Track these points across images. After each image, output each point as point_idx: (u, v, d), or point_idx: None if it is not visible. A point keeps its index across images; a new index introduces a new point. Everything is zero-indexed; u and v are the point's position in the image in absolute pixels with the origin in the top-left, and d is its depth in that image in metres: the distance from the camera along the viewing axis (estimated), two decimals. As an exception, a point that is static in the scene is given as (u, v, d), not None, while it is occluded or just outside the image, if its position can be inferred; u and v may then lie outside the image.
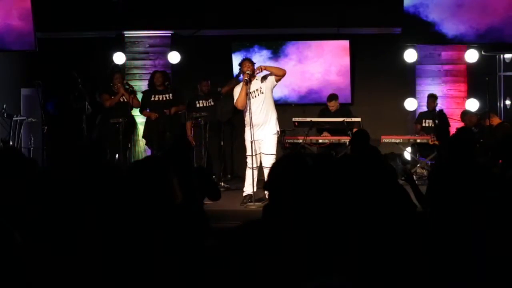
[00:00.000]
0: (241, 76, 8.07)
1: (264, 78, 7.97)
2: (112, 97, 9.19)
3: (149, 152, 9.88)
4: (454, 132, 9.04)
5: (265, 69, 7.96)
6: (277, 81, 7.98)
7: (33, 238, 2.93)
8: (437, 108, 10.18)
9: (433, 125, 9.94)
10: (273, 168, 2.84)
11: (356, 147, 6.04)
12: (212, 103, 9.74)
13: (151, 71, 10.34)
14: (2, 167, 3.61)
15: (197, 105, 9.71)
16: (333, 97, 10.28)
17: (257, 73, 7.93)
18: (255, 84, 7.92)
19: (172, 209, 3.20)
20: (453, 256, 3.15)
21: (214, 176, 8.70)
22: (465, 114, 9.88)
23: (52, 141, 9.08)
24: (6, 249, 2.26)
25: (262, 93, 7.89)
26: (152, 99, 9.47)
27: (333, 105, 10.25)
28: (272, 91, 8.03)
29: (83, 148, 4.86)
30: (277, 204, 2.68)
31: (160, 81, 9.49)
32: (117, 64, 10.07)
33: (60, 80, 9.37)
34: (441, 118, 9.61)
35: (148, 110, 9.55)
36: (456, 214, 4.16)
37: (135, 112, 9.77)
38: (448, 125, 9.82)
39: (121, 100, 9.23)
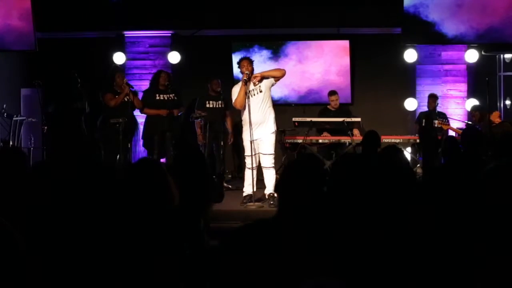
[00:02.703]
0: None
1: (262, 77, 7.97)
2: (116, 96, 9.18)
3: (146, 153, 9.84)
4: (463, 130, 9.04)
5: (262, 77, 7.88)
6: (276, 80, 7.98)
7: (34, 239, 2.93)
8: (438, 108, 10.19)
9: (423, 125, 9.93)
10: (286, 170, 2.79)
11: (367, 148, 6.07)
12: (222, 105, 9.69)
13: (151, 71, 10.32)
14: (5, 167, 3.61)
15: (207, 105, 9.68)
16: (334, 92, 10.33)
17: (254, 81, 7.86)
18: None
19: (169, 210, 3.19)
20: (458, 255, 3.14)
21: (214, 176, 8.69)
22: (475, 110, 9.86)
23: (52, 141, 9.07)
24: (7, 250, 2.26)
25: (261, 91, 7.88)
26: (158, 98, 9.46)
27: (334, 100, 10.26)
28: (270, 90, 8.03)
29: (80, 149, 4.85)
30: (286, 206, 2.65)
31: (166, 81, 9.48)
32: (118, 65, 10.08)
33: (60, 80, 9.35)
34: (428, 120, 9.62)
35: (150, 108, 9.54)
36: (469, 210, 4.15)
37: (137, 112, 9.75)
38: (432, 128, 9.74)
39: (125, 99, 9.20)
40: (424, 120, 9.65)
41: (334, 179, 3.35)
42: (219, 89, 9.67)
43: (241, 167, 10.81)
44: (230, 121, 9.86)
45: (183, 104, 9.77)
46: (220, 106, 9.67)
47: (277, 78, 7.94)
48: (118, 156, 8.95)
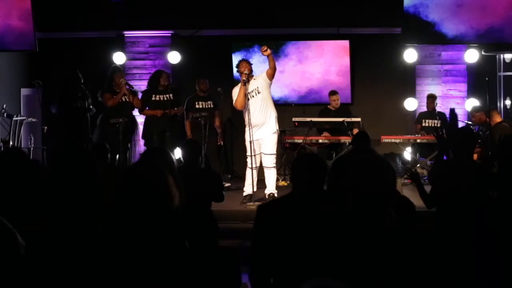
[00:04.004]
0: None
1: (258, 77, 7.97)
2: (114, 96, 9.18)
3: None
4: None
5: (269, 54, 7.79)
6: (270, 78, 7.93)
7: (35, 239, 2.93)
8: (437, 108, 10.19)
9: (434, 125, 9.91)
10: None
11: (357, 148, 6.07)
12: (212, 106, 9.72)
13: (151, 71, 10.32)
14: (6, 168, 3.60)
15: (196, 106, 9.69)
16: (335, 91, 10.34)
17: (264, 52, 7.76)
18: (252, 84, 7.92)
19: (169, 211, 3.19)
20: (456, 256, 3.15)
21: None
22: (475, 111, 9.76)
23: (55, 141, 9.07)
24: (9, 251, 2.26)
25: (260, 92, 7.89)
26: (154, 98, 9.45)
27: (335, 99, 10.27)
28: (269, 90, 8.02)
29: (85, 149, 4.84)
30: None
31: (166, 81, 9.48)
32: (118, 65, 10.10)
33: (63, 80, 9.35)
34: (453, 116, 9.61)
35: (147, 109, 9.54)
36: (459, 213, 4.17)
37: (136, 112, 9.75)
38: (457, 125, 9.75)
39: (122, 99, 9.21)
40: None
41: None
42: (207, 89, 9.70)
43: (240, 166, 10.83)
44: (219, 121, 9.85)
45: (182, 104, 9.76)
46: (209, 106, 9.69)
47: (271, 72, 7.88)
48: (117, 156, 8.95)
